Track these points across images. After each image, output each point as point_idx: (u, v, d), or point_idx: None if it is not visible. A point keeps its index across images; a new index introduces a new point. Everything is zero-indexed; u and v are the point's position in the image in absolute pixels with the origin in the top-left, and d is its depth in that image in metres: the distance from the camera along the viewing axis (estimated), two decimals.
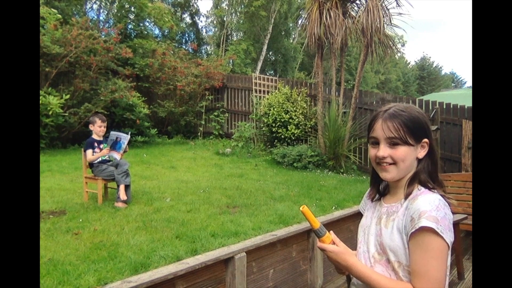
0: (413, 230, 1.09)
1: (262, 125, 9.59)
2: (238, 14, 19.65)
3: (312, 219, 1.24)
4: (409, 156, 1.18)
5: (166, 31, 16.28)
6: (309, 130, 8.90)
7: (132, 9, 12.57)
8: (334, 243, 1.24)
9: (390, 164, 1.18)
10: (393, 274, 1.16)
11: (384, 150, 1.18)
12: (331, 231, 1.28)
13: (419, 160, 1.20)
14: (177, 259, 2.82)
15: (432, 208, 1.08)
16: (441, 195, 1.15)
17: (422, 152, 1.20)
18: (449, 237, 1.08)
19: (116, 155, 4.76)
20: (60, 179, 5.78)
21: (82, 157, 4.95)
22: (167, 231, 3.52)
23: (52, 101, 7.44)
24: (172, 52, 11.51)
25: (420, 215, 1.08)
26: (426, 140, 1.19)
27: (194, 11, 21.16)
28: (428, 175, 1.18)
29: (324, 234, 1.24)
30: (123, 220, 3.84)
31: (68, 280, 2.44)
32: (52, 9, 9.11)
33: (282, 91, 9.24)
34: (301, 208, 1.24)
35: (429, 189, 1.16)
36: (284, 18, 19.88)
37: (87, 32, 8.70)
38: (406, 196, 1.18)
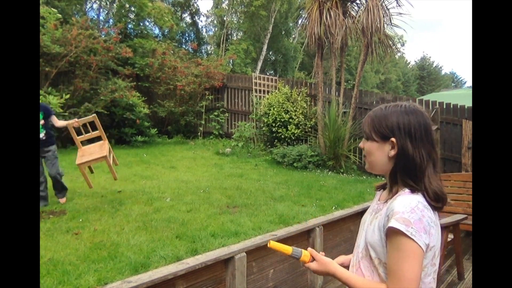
0: (384, 229, 1.12)
1: (262, 125, 9.58)
2: (238, 13, 19.64)
3: (283, 249, 1.33)
4: (375, 151, 1.22)
5: (166, 30, 16.28)
6: (309, 130, 8.90)
7: (132, 8, 12.57)
8: (313, 259, 1.30)
9: (366, 156, 1.27)
10: (375, 271, 1.18)
11: (362, 142, 1.28)
12: (309, 248, 1.34)
13: (395, 160, 1.19)
14: (177, 259, 2.82)
15: (406, 210, 1.09)
16: (427, 199, 1.13)
17: (392, 151, 1.19)
18: (424, 239, 1.07)
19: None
20: None
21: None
22: (167, 231, 3.52)
23: (52, 100, 7.43)
24: (172, 52, 11.50)
25: (393, 215, 1.10)
26: (392, 139, 1.18)
27: (194, 10, 21.14)
28: (408, 177, 1.16)
29: (301, 255, 1.31)
30: (123, 220, 3.84)
31: (68, 280, 2.44)
32: (52, 9, 9.10)
33: (282, 91, 9.23)
34: (268, 245, 1.33)
35: (412, 191, 1.15)
36: (284, 17, 19.84)
37: (87, 31, 8.70)
38: (393, 196, 1.20)
